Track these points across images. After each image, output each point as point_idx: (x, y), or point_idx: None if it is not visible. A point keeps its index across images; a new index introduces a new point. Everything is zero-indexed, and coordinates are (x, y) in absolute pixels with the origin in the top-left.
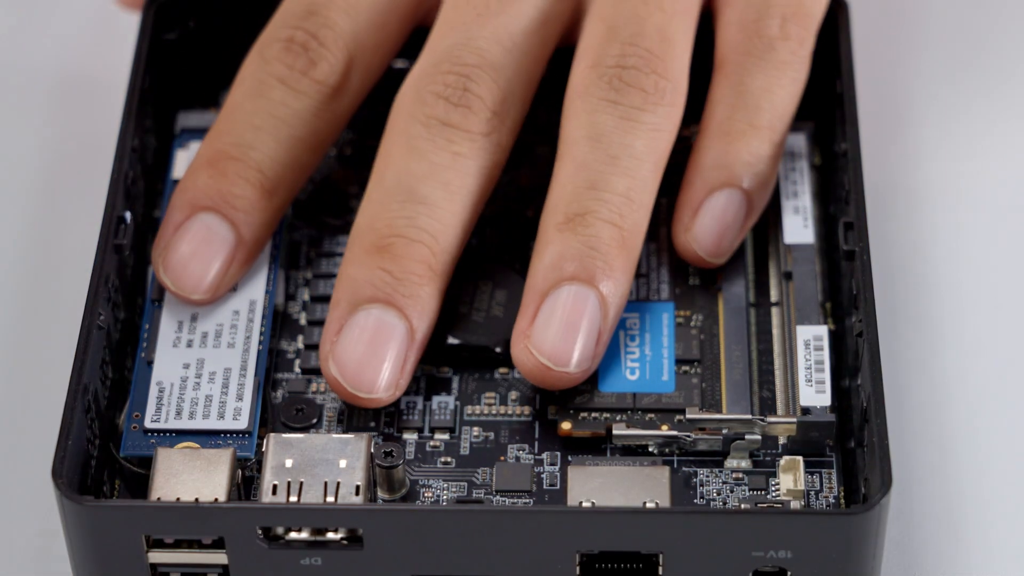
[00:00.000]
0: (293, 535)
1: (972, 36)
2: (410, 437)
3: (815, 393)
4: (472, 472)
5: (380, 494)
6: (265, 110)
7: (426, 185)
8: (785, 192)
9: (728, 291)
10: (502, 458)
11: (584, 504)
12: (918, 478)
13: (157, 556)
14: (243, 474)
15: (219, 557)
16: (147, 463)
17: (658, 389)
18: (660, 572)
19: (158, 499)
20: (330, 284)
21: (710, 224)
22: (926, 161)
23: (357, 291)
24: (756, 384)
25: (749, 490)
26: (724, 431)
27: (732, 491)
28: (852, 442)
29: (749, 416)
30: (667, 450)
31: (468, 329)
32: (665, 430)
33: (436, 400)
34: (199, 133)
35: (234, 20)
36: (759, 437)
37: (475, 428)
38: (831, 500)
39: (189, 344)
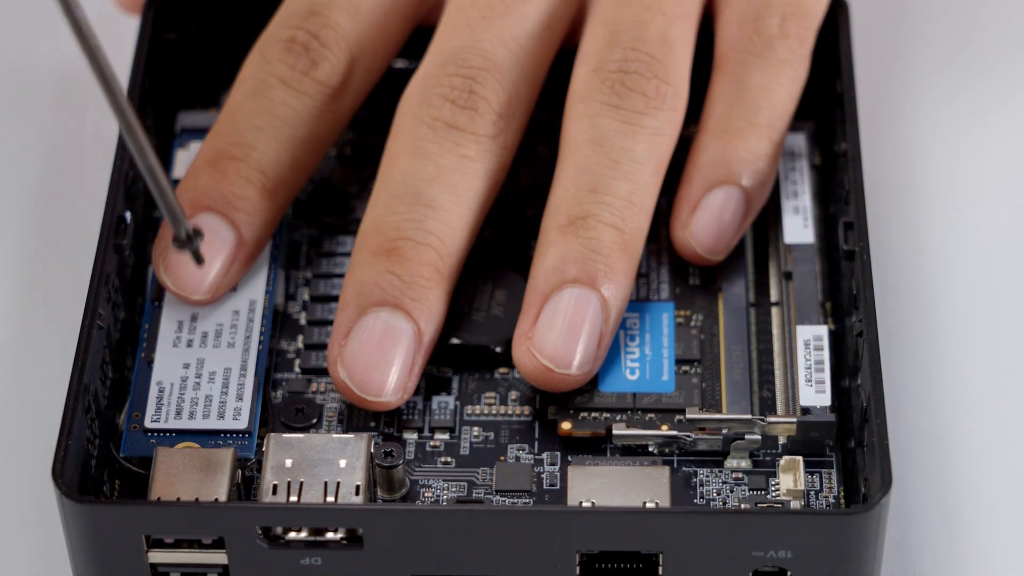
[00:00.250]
0: (293, 535)
1: (972, 36)
2: (410, 437)
3: (815, 393)
4: (472, 472)
5: (380, 494)
6: (266, 110)
7: (433, 188)
8: (785, 192)
9: (728, 291)
10: (502, 458)
11: (584, 504)
12: (918, 478)
13: (157, 556)
14: (243, 474)
15: (219, 557)
16: (147, 463)
17: (658, 389)
18: (660, 572)
19: (158, 499)
20: (330, 284)
21: (708, 221)
22: (926, 161)
23: (365, 294)
24: (756, 384)
25: (749, 490)
26: (724, 431)
27: (732, 491)
28: (852, 442)
29: (749, 416)
30: (667, 450)
31: (468, 329)
32: (665, 430)
33: (436, 400)
34: (199, 133)
35: (234, 20)
36: (759, 437)
37: (475, 428)
38: (831, 500)
39: (189, 344)
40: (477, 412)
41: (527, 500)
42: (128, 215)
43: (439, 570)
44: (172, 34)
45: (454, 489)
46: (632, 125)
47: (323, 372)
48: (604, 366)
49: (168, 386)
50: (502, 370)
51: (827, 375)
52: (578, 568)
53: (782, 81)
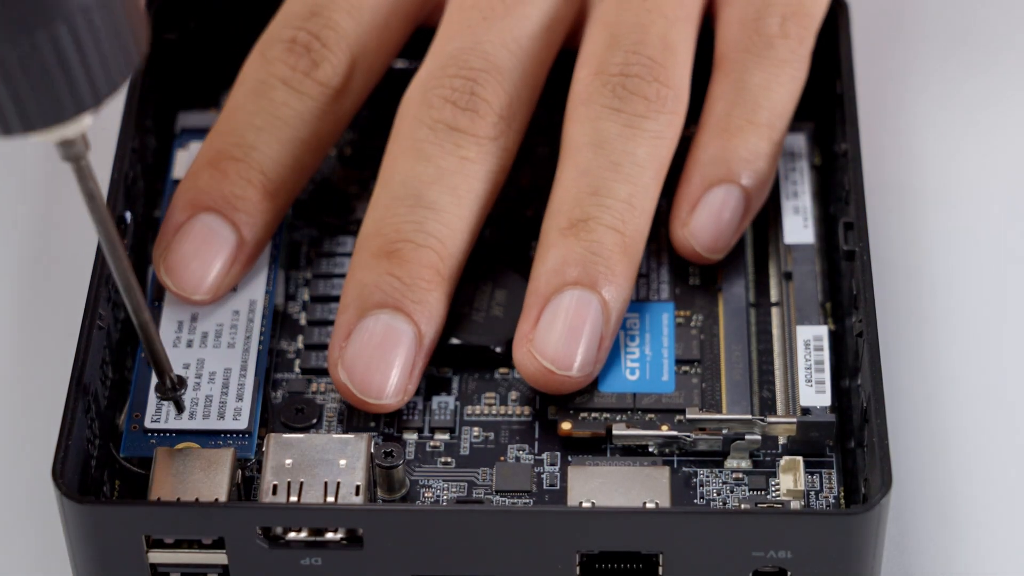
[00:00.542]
0: (293, 535)
1: (972, 36)
2: (410, 437)
3: (815, 393)
4: (472, 472)
5: (380, 494)
6: (267, 111)
7: (433, 190)
8: (785, 192)
9: (728, 291)
10: (502, 458)
11: (584, 504)
12: (918, 478)
13: (157, 556)
14: (243, 474)
15: (219, 557)
16: (147, 463)
17: (658, 389)
18: (660, 572)
19: (158, 499)
20: (330, 284)
21: (707, 220)
22: (926, 161)
23: (366, 296)
24: (756, 384)
25: (749, 490)
26: (724, 431)
27: (732, 491)
28: (852, 442)
29: (749, 416)
30: (667, 450)
31: (468, 329)
32: (665, 430)
33: (436, 400)
34: (199, 133)
35: (234, 20)
36: (759, 437)
37: (475, 428)
38: (831, 500)
39: (189, 344)
40: (477, 412)
41: (527, 500)
42: (128, 215)
43: (439, 570)
44: (172, 34)
45: (454, 489)
46: (633, 128)
47: (323, 372)
48: (604, 366)
49: None
50: (502, 370)
51: (827, 375)
52: (578, 568)
53: (782, 81)
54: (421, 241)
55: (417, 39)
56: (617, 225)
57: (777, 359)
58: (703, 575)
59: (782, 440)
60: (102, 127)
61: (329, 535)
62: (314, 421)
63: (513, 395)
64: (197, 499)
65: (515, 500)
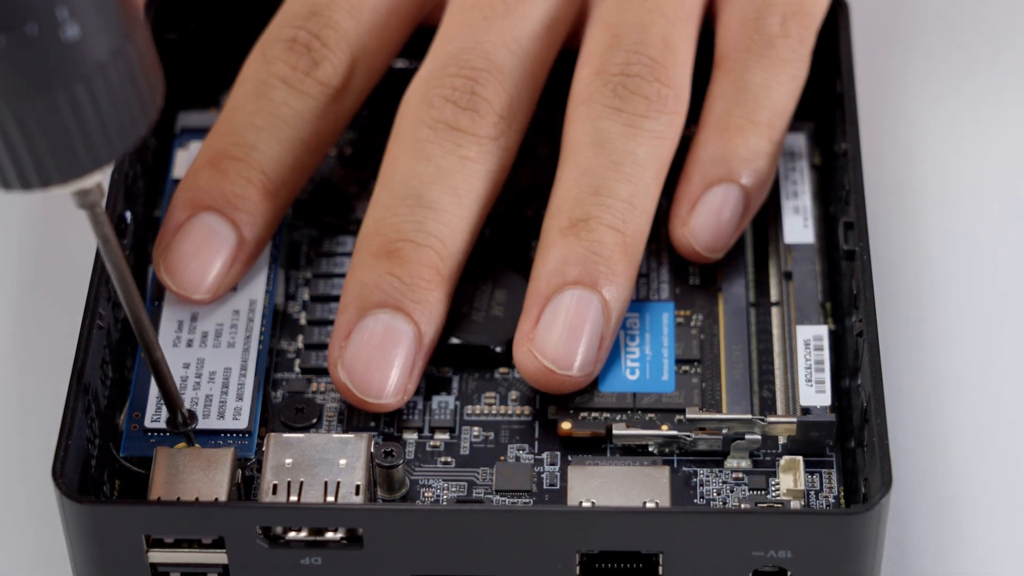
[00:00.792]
0: (293, 535)
1: (972, 36)
2: (410, 437)
3: (815, 393)
4: (472, 472)
5: (380, 494)
6: (267, 110)
7: (434, 189)
8: (785, 192)
9: (728, 291)
10: (502, 458)
11: (584, 504)
12: (918, 478)
13: (157, 556)
14: (243, 474)
15: (219, 557)
16: (147, 463)
17: (658, 389)
18: (660, 572)
19: (158, 499)
20: (330, 284)
21: (707, 219)
22: (926, 161)
23: (366, 296)
24: (756, 384)
25: (749, 490)
26: (724, 431)
27: (732, 491)
28: (852, 442)
29: (749, 416)
30: (667, 450)
31: (468, 329)
32: (665, 430)
33: (436, 400)
34: (199, 133)
35: (234, 20)
36: (759, 437)
37: (475, 428)
38: (831, 500)
39: (189, 344)
40: (477, 412)
41: (527, 500)
42: (128, 215)
43: (439, 570)
44: (172, 34)
45: (454, 489)
46: (634, 128)
47: (323, 372)
48: (604, 366)
49: None
50: (502, 370)
51: (827, 375)
52: (578, 568)
53: (782, 80)
54: (421, 241)
55: (417, 39)
56: (618, 225)
57: (777, 359)
58: (703, 575)
59: (782, 440)
60: None
61: (329, 535)
62: (314, 421)
63: (513, 395)
64: (197, 499)
65: (515, 500)
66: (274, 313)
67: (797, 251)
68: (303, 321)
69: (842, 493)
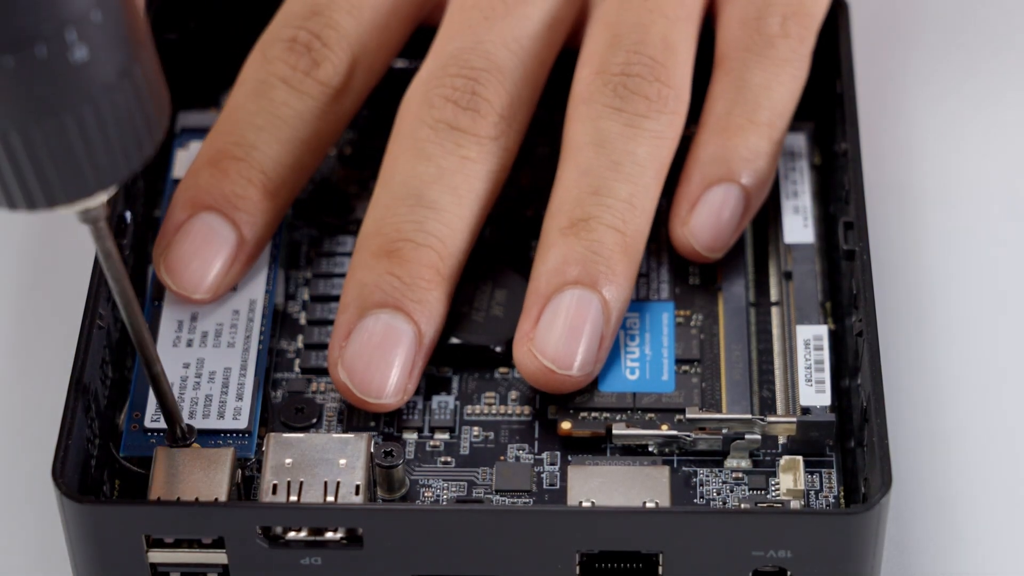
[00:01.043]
0: (293, 535)
1: (972, 36)
2: (410, 437)
3: (815, 393)
4: (472, 472)
5: (380, 494)
6: (267, 110)
7: (434, 189)
8: (785, 192)
9: (728, 291)
10: (502, 458)
11: (584, 504)
12: (918, 478)
13: (157, 556)
14: (243, 474)
15: (219, 557)
16: (147, 463)
17: (658, 389)
18: (660, 572)
19: (158, 499)
20: (330, 284)
21: (707, 218)
22: (926, 161)
23: (366, 296)
24: (756, 384)
25: (749, 490)
26: (724, 431)
27: (732, 491)
28: (852, 442)
29: (749, 416)
30: (667, 450)
31: (468, 329)
32: (665, 430)
33: (436, 400)
34: (199, 133)
35: (234, 20)
36: (759, 437)
37: (475, 428)
38: (831, 500)
39: (189, 344)
40: (477, 412)
41: (527, 500)
42: (128, 215)
43: (439, 570)
44: (172, 34)
45: (454, 489)
46: (634, 128)
47: (323, 372)
48: (604, 366)
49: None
50: (502, 370)
51: (827, 375)
52: (578, 568)
53: (783, 80)
54: (421, 240)
55: (417, 39)
56: (618, 225)
57: (777, 359)
58: (703, 575)
59: (782, 440)
60: None
61: (329, 535)
62: (314, 421)
63: (513, 395)
64: (197, 499)
65: (515, 500)
66: (274, 313)
67: (797, 251)
68: (303, 321)
69: (842, 493)
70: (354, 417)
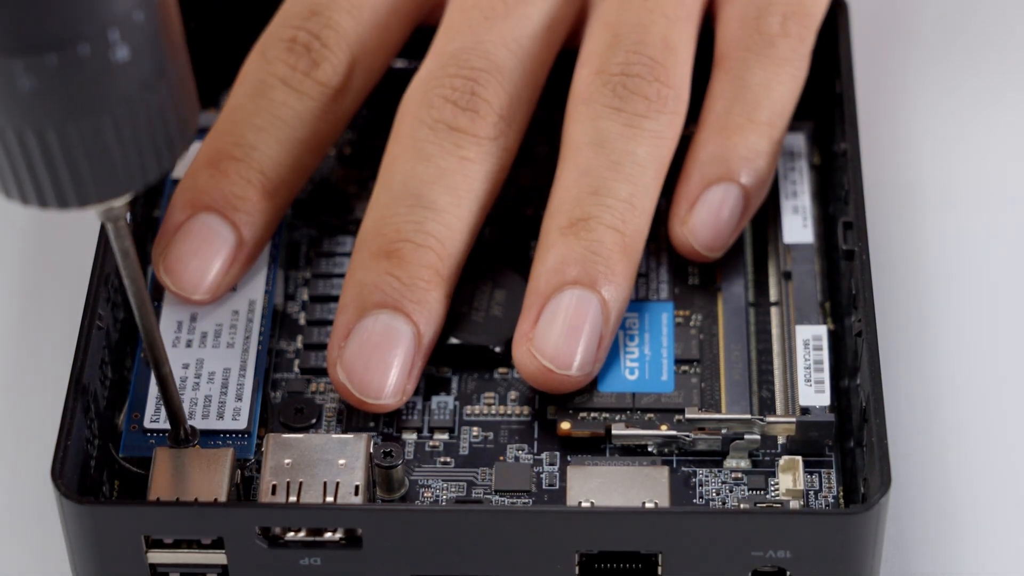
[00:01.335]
0: (292, 535)
1: (972, 36)
2: (409, 437)
3: (814, 393)
4: (471, 472)
5: (379, 494)
6: (267, 110)
7: (433, 190)
8: (784, 192)
9: (727, 291)
10: (501, 458)
11: (583, 504)
12: (917, 478)
13: (156, 556)
14: (242, 474)
15: (218, 557)
16: (146, 463)
17: (657, 389)
18: (659, 572)
19: (157, 499)
20: (330, 284)
21: (706, 218)
22: (925, 161)
23: (365, 296)
24: (755, 384)
25: (748, 490)
26: (723, 431)
27: (731, 491)
28: (851, 442)
29: (748, 416)
30: (666, 450)
31: (468, 329)
32: (664, 430)
33: (435, 400)
34: (199, 133)
35: (234, 20)
36: (758, 437)
37: (474, 428)
38: (830, 500)
39: (188, 344)
40: (476, 412)
41: (526, 500)
42: (128, 215)
43: (438, 570)
44: None
45: (453, 489)
46: (634, 128)
47: (322, 372)
48: (603, 366)
49: None
50: (501, 370)
51: (826, 375)
52: (577, 568)
53: (782, 79)
54: (421, 241)
55: (417, 39)
56: (617, 225)
57: (776, 359)
58: (702, 575)
59: (781, 440)
60: None
61: (328, 535)
62: (313, 421)
63: (512, 395)
64: (196, 499)
65: (514, 500)
66: (273, 313)
67: (796, 251)
68: (302, 321)
69: (841, 493)
70: (353, 417)
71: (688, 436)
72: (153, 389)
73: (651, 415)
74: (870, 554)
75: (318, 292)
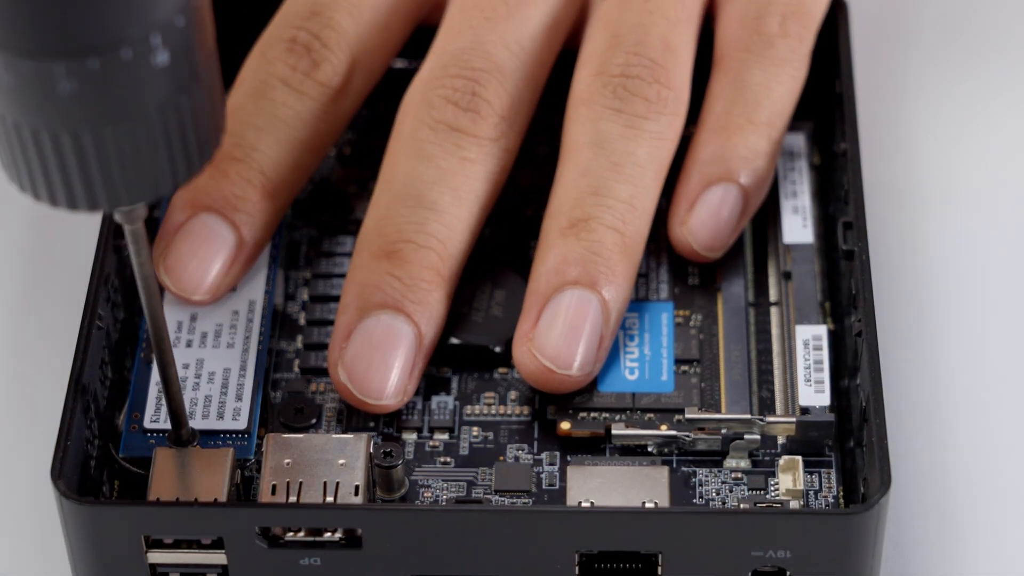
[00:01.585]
0: (292, 535)
1: (972, 36)
2: (409, 437)
3: (814, 393)
4: (471, 472)
5: (379, 494)
6: (267, 111)
7: (435, 190)
8: (784, 192)
9: (727, 291)
10: (501, 458)
11: (583, 504)
12: (917, 478)
13: (156, 556)
14: (242, 474)
15: (218, 557)
16: (146, 463)
17: (657, 389)
18: (659, 572)
19: (157, 499)
20: (330, 284)
21: (706, 218)
22: (925, 161)
23: (366, 297)
24: (755, 384)
25: (748, 490)
26: (723, 431)
27: (731, 491)
28: (851, 442)
29: (748, 416)
30: (666, 450)
31: (468, 329)
32: (664, 430)
33: (435, 400)
34: None
35: (234, 20)
36: (758, 437)
37: (474, 428)
38: (830, 500)
39: (188, 344)
40: (476, 412)
41: (526, 500)
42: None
43: (438, 570)
44: None
45: (453, 489)
46: (634, 129)
47: (322, 372)
48: (603, 366)
49: None
50: (501, 370)
51: (826, 375)
52: (577, 568)
53: (782, 80)
54: (422, 242)
55: (417, 39)
56: (618, 225)
57: (776, 359)
58: (702, 575)
59: (781, 440)
60: None
61: (328, 535)
62: (313, 421)
63: (512, 395)
64: (196, 499)
65: (514, 500)
66: (273, 313)
67: (796, 251)
68: (302, 321)
69: (841, 493)
70: (353, 417)
71: (688, 436)
72: (153, 389)
73: (651, 415)
74: (870, 554)
75: (318, 292)
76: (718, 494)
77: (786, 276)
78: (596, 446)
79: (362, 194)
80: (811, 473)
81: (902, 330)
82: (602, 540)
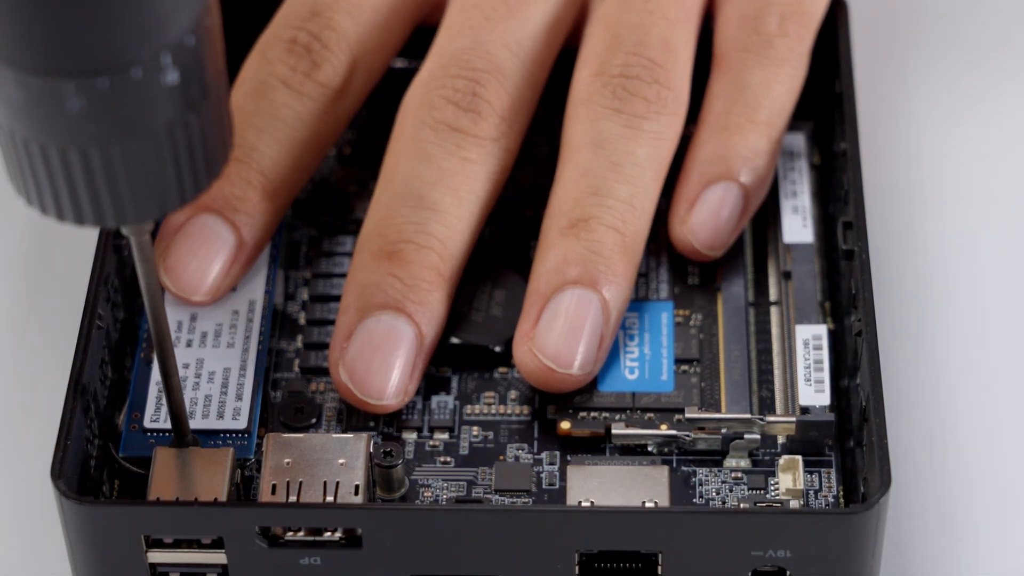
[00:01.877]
0: (292, 535)
1: (972, 36)
2: (409, 437)
3: (814, 392)
4: (471, 472)
5: (379, 494)
6: (267, 111)
7: (435, 191)
8: (784, 192)
9: (727, 290)
10: (501, 458)
11: (583, 504)
12: (917, 477)
13: (156, 556)
14: (242, 474)
15: (218, 557)
16: (146, 463)
17: (657, 388)
18: (659, 572)
19: (157, 499)
20: (330, 284)
21: (706, 217)
22: (925, 161)
23: (367, 297)
24: (755, 383)
25: (748, 489)
26: (723, 430)
27: (731, 490)
28: (851, 441)
29: (748, 415)
30: (666, 449)
31: (467, 329)
32: (664, 430)
33: (435, 400)
34: None
35: (234, 20)
36: (758, 436)
37: (474, 428)
38: (830, 499)
39: (188, 344)
40: (476, 412)
41: (526, 500)
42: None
43: (438, 570)
44: None
45: (453, 489)
46: (633, 129)
47: (322, 372)
48: (603, 366)
49: None
50: (501, 370)
51: (826, 375)
52: (577, 568)
53: (781, 79)
54: (422, 242)
55: (417, 39)
56: (617, 225)
57: (776, 358)
58: (702, 574)
59: (781, 439)
60: None
61: (328, 535)
62: (313, 421)
63: (512, 394)
64: (196, 499)
65: (514, 499)
66: (273, 313)
67: (796, 251)
68: (302, 321)
69: (841, 493)
70: (353, 417)
71: (688, 436)
72: (153, 389)
73: (651, 415)
74: (870, 554)
75: (318, 292)
76: (718, 494)
77: (786, 276)
78: (596, 446)
79: (362, 194)
80: (811, 473)
81: (902, 330)
82: (602, 540)
